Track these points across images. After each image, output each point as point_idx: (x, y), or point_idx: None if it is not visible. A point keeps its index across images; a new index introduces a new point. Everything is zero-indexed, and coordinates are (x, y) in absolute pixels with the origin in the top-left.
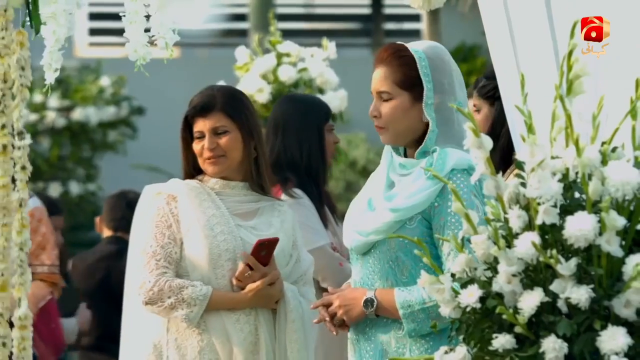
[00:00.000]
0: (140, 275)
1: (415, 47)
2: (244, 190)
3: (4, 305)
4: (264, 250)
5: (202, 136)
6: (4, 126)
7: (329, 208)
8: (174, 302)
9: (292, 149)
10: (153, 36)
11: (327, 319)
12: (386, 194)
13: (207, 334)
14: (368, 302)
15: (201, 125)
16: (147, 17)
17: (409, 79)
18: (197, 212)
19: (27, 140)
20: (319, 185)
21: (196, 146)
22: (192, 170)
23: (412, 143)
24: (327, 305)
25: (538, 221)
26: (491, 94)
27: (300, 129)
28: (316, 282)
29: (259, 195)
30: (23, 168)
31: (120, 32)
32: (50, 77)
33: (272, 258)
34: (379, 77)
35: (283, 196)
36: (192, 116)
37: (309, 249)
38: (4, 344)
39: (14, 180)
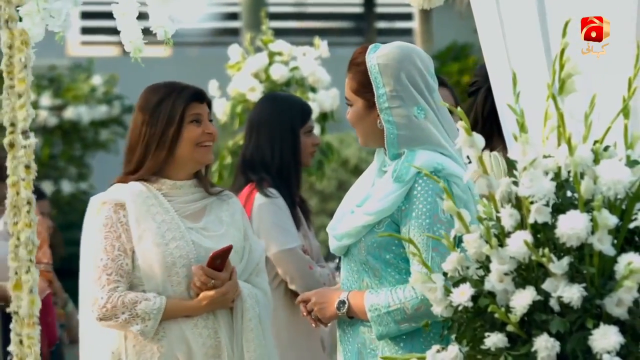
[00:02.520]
0: (92, 291)
1: (376, 52)
2: (192, 189)
3: (19, 304)
4: (219, 259)
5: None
6: (12, 124)
7: (303, 213)
8: (127, 317)
9: (263, 150)
10: (150, 28)
11: (305, 314)
12: (363, 197)
13: (166, 340)
14: (340, 304)
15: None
16: (142, 7)
17: (362, 87)
18: (147, 220)
19: (32, 139)
20: (290, 187)
21: (196, 129)
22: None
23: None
24: (307, 301)
25: (530, 220)
26: (470, 90)
27: (273, 130)
28: (285, 283)
29: (204, 192)
30: (27, 167)
31: (112, 30)
32: None
33: (227, 262)
34: (345, 83)
35: (257, 195)
36: (190, 101)
37: (279, 249)
38: (21, 342)
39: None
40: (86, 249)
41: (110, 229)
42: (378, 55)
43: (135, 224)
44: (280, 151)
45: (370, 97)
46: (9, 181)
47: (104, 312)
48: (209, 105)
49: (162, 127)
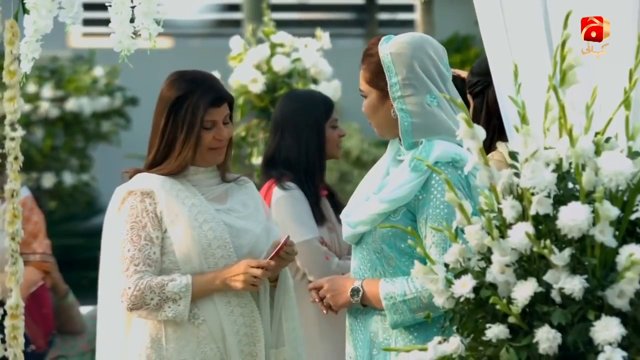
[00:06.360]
0: (120, 281)
1: (389, 42)
2: (213, 173)
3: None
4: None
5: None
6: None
7: (333, 206)
8: (158, 301)
9: (289, 148)
10: (137, 27)
11: (317, 300)
12: (378, 185)
13: (205, 325)
14: (354, 291)
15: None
16: (134, 7)
17: (375, 77)
18: (177, 204)
19: (20, 131)
20: (315, 184)
21: (207, 136)
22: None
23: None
24: (319, 288)
25: (532, 211)
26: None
27: (299, 128)
28: (303, 274)
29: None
30: (15, 158)
31: None
32: (26, 67)
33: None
34: (360, 75)
35: (275, 189)
36: (209, 107)
37: (296, 241)
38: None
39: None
40: (110, 239)
41: (136, 219)
42: (391, 45)
43: (166, 210)
44: (307, 149)
45: (384, 87)
46: None
47: (133, 299)
48: (230, 104)
49: (185, 132)
